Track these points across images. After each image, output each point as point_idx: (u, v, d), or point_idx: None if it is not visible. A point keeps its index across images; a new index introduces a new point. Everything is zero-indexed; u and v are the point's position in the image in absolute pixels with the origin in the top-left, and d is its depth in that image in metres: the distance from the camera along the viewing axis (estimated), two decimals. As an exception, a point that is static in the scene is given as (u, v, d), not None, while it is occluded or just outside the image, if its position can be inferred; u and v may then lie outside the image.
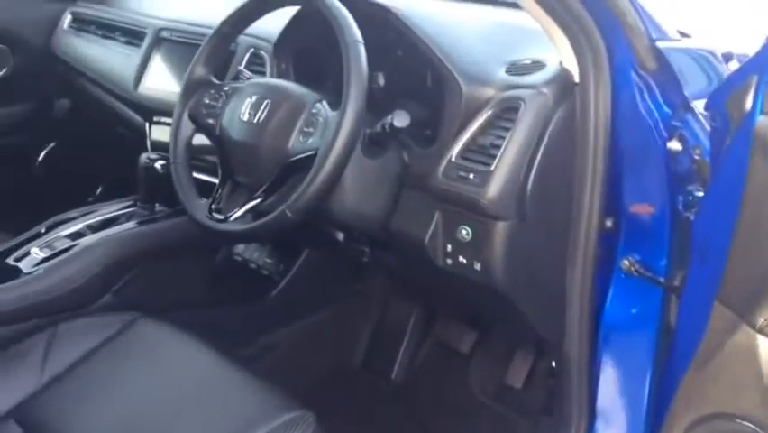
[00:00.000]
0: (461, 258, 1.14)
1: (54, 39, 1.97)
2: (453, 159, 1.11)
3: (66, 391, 1.16)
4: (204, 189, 1.26)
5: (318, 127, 1.09)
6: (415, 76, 1.26)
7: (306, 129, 1.10)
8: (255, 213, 1.13)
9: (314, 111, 1.11)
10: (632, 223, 1.12)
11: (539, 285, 1.16)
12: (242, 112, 1.15)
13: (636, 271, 1.12)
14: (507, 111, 1.08)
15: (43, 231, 1.47)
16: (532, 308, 1.18)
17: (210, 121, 1.21)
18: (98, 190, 2.19)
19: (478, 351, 1.68)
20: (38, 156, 2.10)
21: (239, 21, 1.24)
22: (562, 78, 1.07)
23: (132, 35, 1.75)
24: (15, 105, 2.02)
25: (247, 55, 1.47)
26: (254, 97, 1.15)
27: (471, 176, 1.08)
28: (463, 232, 1.12)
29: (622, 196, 1.10)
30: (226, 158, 1.19)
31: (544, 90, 1.06)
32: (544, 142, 1.06)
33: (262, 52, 1.45)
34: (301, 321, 1.69)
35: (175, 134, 1.25)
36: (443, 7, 1.41)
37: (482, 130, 1.10)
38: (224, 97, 1.21)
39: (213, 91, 1.23)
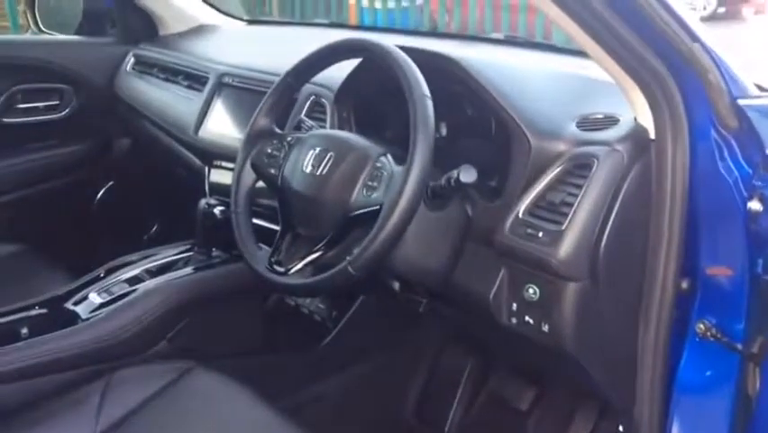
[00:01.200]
0: (527, 318, 1.10)
1: (117, 80, 2.02)
2: (521, 215, 1.08)
3: None
4: (263, 236, 1.25)
5: (383, 182, 1.07)
6: (479, 126, 1.24)
7: (369, 183, 1.08)
8: (315, 267, 1.11)
9: (378, 165, 1.09)
10: (709, 285, 1.07)
11: (609, 347, 1.11)
12: (304, 164, 1.14)
13: (712, 335, 1.06)
14: (580, 168, 1.04)
15: (102, 274, 1.48)
16: (601, 371, 1.13)
17: (272, 171, 1.20)
18: (153, 229, 2.22)
19: (536, 408, 1.61)
20: (96, 194, 2.13)
21: (303, 72, 1.24)
22: (637, 135, 1.03)
23: (194, 79, 1.78)
24: (77, 144, 2.07)
25: (308, 102, 1.47)
26: (317, 149, 1.14)
27: (541, 234, 1.04)
28: (530, 291, 1.08)
29: (699, 257, 1.05)
30: (287, 209, 1.18)
31: (619, 147, 1.02)
32: (618, 202, 1.02)
33: (324, 100, 1.44)
34: (352, 369, 1.66)
35: (237, 183, 1.24)
36: (509, 56, 1.39)
37: (552, 186, 1.07)
38: (287, 148, 1.20)
39: (275, 141, 1.23)
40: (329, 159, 1.12)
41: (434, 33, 2.33)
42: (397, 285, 1.35)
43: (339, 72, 1.36)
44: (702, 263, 1.06)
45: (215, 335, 1.46)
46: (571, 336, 1.06)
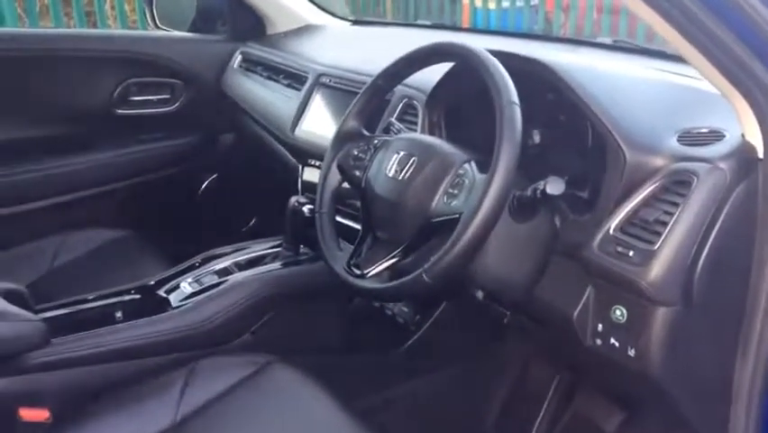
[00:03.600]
0: (612, 340, 1.05)
1: (224, 77, 2.08)
2: (612, 231, 1.02)
3: (198, 431, 1.17)
4: (349, 235, 1.25)
5: (464, 189, 1.04)
6: (573, 136, 1.18)
7: (450, 190, 1.05)
8: (392, 272, 1.09)
9: (460, 172, 1.06)
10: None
11: (701, 377, 1.03)
12: (387, 167, 1.13)
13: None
14: (678, 185, 0.98)
15: (198, 264, 1.52)
16: (690, 402, 1.06)
17: (357, 173, 1.20)
18: (252, 222, 2.28)
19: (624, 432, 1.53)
20: (201, 186, 2.21)
21: (393, 75, 1.23)
22: (743, 153, 0.95)
23: (294, 78, 1.80)
24: (185, 137, 2.15)
25: (401, 105, 1.46)
26: (402, 153, 1.13)
27: (631, 253, 0.98)
28: (617, 312, 1.03)
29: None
30: (369, 212, 1.17)
31: (722, 165, 0.95)
32: (719, 223, 0.94)
33: (416, 103, 1.42)
34: (433, 375, 1.64)
35: (322, 184, 1.25)
36: (609, 63, 1.32)
37: (647, 203, 1.00)
38: (373, 150, 1.20)
39: (362, 143, 1.22)
40: (412, 163, 1.10)
41: (538, 36, 2.26)
42: (480, 294, 1.32)
43: (434, 75, 1.35)
44: None
45: (298, 331, 1.48)
46: (659, 363, 1.00)
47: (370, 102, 1.25)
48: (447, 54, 1.15)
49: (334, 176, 1.24)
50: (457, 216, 1.01)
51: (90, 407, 1.20)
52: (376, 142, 1.21)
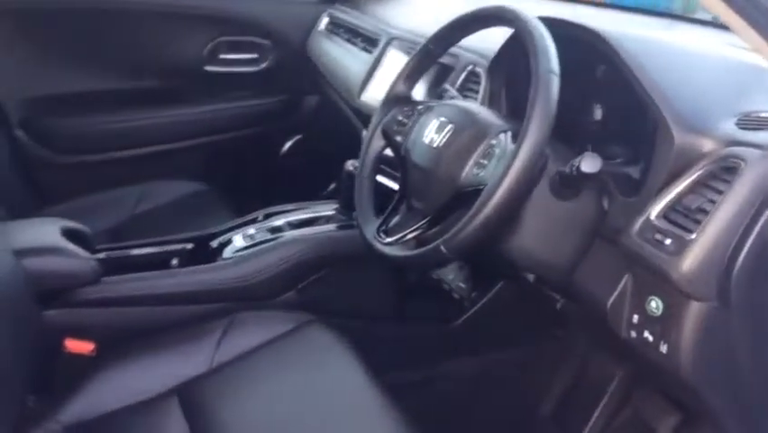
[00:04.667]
0: (646, 334, 0.97)
1: (310, 39, 2.10)
2: (652, 217, 0.94)
3: (229, 379, 1.21)
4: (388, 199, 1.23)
5: (493, 160, 0.99)
6: (628, 112, 1.10)
7: (481, 160, 1.01)
8: (418, 241, 1.07)
9: (493, 142, 1.01)
10: None
11: (737, 381, 0.95)
12: (425, 134, 1.09)
13: None
14: (725, 171, 0.89)
15: (260, 218, 1.55)
16: (724, 406, 0.97)
17: (398, 138, 1.17)
18: (331, 187, 2.29)
19: (678, 437, 1.44)
20: (282, 146, 2.25)
21: (444, 38, 1.19)
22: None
23: (368, 42, 1.79)
24: (269, 97, 2.19)
25: (465, 72, 1.41)
26: (441, 120, 1.09)
27: (668, 242, 0.91)
28: (653, 304, 0.95)
29: None
30: (405, 179, 1.14)
31: (774, 152, 0.85)
32: (765, 216, 0.85)
33: (479, 70, 1.37)
34: (482, 357, 1.59)
35: (366, 148, 1.23)
36: (676, 37, 1.21)
37: (692, 189, 0.92)
38: (416, 116, 1.17)
39: (407, 108, 1.19)
40: (449, 131, 1.06)
41: (605, 4, 2.09)
42: (531, 276, 1.27)
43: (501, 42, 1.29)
44: None
45: (344, 295, 1.48)
46: (690, 362, 0.92)
47: (419, 66, 1.22)
48: (494, 18, 1.09)
49: (378, 140, 1.22)
50: (482, 187, 0.97)
51: (132, 345, 1.26)
52: (420, 107, 1.18)
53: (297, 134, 2.27)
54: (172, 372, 1.22)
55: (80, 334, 1.24)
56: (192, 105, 2.10)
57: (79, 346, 1.23)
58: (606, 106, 1.17)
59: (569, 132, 1.15)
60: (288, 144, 2.26)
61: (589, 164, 0.94)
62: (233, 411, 1.14)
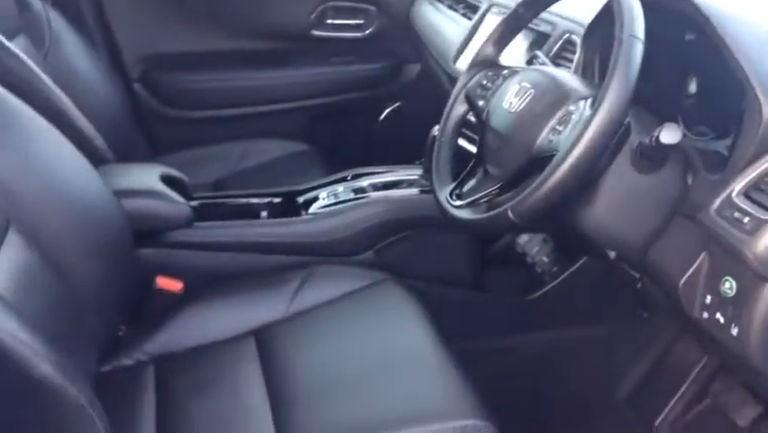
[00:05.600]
0: (718, 315, 0.94)
1: (414, 5, 2.10)
2: (734, 195, 0.90)
3: (302, 327, 1.26)
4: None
5: (569, 126, 0.97)
6: (724, 86, 1.04)
7: (557, 126, 0.99)
8: (489, 205, 1.07)
9: (571, 108, 0.99)
10: None
11: None
12: (505, 99, 1.08)
13: None
14: None
15: (349, 178, 1.60)
16: None
17: (480, 103, 1.17)
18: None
19: (756, 429, 1.37)
20: (382, 112, 2.28)
21: (534, 4, 1.17)
22: None
23: (470, 8, 1.77)
24: (373, 63, 2.21)
25: (561, 40, 1.38)
26: (523, 84, 1.07)
27: (746, 220, 0.87)
28: (727, 284, 0.91)
29: None
30: (482, 144, 1.14)
31: None
32: None
33: (575, 38, 1.34)
34: (557, 332, 1.57)
35: (449, 111, 1.24)
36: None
37: None
38: (500, 80, 1.16)
39: (492, 73, 1.18)
40: (528, 96, 1.05)
41: None
42: (612, 253, 1.24)
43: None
44: None
45: (422, 258, 1.50)
46: (760, 347, 0.88)
47: (508, 29, 1.20)
48: None
49: (461, 105, 1.22)
50: (555, 153, 0.95)
51: (217, 287, 1.34)
52: (505, 72, 1.16)
53: (397, 102, 2.29)
54: (251, 315, 1.28)
55: (171, 273, 1.33)
56: (299, 68, 2.16)
57: (169, 284, 1.32)
58: (700, 79, 1.12)
59: (660, 104, 1.11)
60: (387, 111, 2.28)
61: (670, 135, 0.91)
62: (303, 357, 1.19)
